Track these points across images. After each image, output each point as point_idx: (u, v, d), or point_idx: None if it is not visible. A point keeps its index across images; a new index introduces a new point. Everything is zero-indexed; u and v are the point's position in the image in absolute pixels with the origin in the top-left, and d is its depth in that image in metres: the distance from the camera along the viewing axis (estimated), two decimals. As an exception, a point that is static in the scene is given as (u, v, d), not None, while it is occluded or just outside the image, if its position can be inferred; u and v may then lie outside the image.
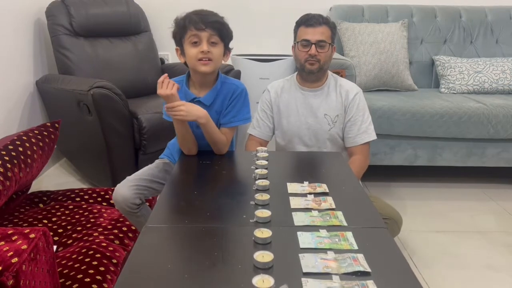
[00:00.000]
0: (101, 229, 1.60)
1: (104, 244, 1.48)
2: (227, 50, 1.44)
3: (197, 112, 1.37)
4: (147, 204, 1.55)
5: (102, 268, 1.35)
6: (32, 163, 1.63)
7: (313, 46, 1.68)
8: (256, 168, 1.29)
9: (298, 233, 0.97)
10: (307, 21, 1.71)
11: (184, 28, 1.36)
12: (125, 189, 1.44)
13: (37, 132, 1.74)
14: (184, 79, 1.48)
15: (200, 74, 1.42)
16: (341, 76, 2.32)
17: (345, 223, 1.02)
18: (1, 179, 1.42)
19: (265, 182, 1.19)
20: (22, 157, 1.57)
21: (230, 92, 1.46)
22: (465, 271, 1.75)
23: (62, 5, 2.59)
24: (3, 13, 2.28)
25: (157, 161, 1.59)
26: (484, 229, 2.09)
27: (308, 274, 0.82)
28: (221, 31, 1.37)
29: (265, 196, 1.10)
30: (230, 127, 1.48)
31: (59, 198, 1.93)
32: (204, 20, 1.34)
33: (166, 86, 1.34)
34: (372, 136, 1.79)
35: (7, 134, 1.88)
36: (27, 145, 1.63)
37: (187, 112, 1.35)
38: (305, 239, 0.94)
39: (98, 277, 1.30)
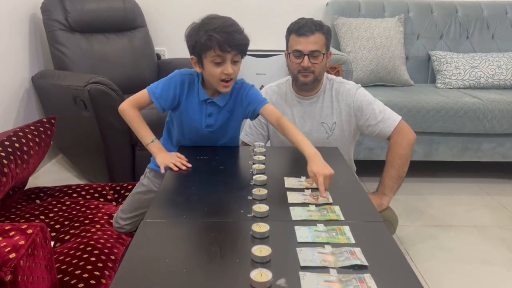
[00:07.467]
0: (99, 226, 1.60)
1: (102, 240, 1.48)
2: None
3: None
4: None
5: (100, 264, 1.35)
6: (28, 159, 1.63)
7: (306, 57, 1.56)
8: (254, 163, 1.30)
9: (296, 227, 0.97)
10: (298, 29, 1.57)
11: (207, 46, 1.28)
12: (122, 227, 1.60)
13: (33, 128, 1.74)
14: (199, 78, 1.41)
15: None
16: (337, 71, 2.32)
17: (342, 218, 1.02)
18: (-2, 175, 1.42)
19: (262, 177, 1.19)
20: (19, 153, 1.57)
21: (234, 90, 1.42)
22: (460, 265, 1.76)
23: (58, 0, 2.57)
24: (-2, 8, 2.27)
25: (144, 184, 1.59)
26: (479, 223, 2.11)
27: (306, 268, 0.82)
28: (244, 51, 1.34)
29: (262, 191, 1.11)
30: (266, 104, 1.42)
31: (56, 194, 1.92)
32: (230, 42, 1.27)
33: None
34: (396, 118, 1.67)
35: (3, 130, 1.88)
36: (23, 141, 1.62)
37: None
38: (302, 234, 0.95)
39: (96, 273, 1.31)
